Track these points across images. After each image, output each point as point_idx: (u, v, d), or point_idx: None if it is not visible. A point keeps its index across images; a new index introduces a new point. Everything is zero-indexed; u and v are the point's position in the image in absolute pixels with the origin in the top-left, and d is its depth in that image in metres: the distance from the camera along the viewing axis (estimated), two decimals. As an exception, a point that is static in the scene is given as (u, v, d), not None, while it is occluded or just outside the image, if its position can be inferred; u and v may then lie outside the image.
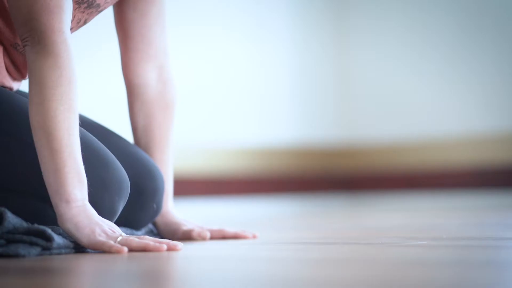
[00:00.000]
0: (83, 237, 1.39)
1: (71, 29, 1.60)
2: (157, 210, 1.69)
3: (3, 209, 1.40)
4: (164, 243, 1.43)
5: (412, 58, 5.33)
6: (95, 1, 1.58)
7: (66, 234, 1.42)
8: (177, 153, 4.87)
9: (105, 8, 1.65)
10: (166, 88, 1.77)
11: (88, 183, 1.45)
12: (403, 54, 5.36)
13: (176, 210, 1.80)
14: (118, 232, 1.43)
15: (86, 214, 1.40)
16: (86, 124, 1.67)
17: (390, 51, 5.40)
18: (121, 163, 1.55)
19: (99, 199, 1.47)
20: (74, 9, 1.56)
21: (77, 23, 1.61)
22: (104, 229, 1.41)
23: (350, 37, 5.59)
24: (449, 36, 5.16)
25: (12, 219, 1.39)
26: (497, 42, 4.99)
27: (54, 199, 1.39)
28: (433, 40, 5.22)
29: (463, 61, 5.13)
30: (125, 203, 1.54)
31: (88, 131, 1.58)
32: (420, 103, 5.29)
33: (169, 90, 1.78)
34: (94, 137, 1.54)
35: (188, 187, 4.88)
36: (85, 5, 1.57)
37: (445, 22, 5.18)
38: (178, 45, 4.70)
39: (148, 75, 1.76)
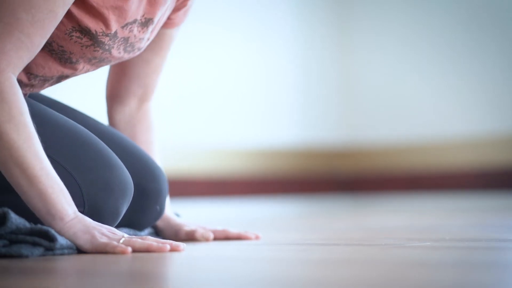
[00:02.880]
0: (85, 243, 1.40)
1: (77, 74, 1.62)
2: (160, 211, 1.70)
3: (6, 209, 1.40)
4: (167, 243, 1.43)
5: (415, 60, 5.32)
6: (107, 58, 1.60)
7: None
8: (179, 154, 4.89)
9: (116, 63, 1.66)
10: (147, 114, 1.82)
11: (92, 185, 1.45)
12: (406, 55, 5.36)
13: (175, 217, 1.82)
14: (120, 234, 1.43)
15: (82, 223, 1.41)
16: (90, 124, 1.67)
17: (393, 52, 5.40)
18: (124, 164, 1.56)
19: (103, 201, 1.48)
20: (85, 62, 1.58)
21: (86, 71, 1.63)
22: (103, 231, 1.41)
23: (353, 38, 5.59)
24: (452, 38, 5.16)
25: (15, 220, 1.39)
26: (500, 44, 4.99)
27: (46, 221, 1.40)
28: (436, 42, 5.22)
29: (466, 63, 5.13)
30: (128, 205, 1.54)
31: (92, 132, 1.58)
32: (423, 104, 5.29)
33: (150, 115, 1.82)
34: (98, 138, 1.54)
35: (191, 188, 4.89)
36: (97, 60, 1.59)
37: (449, 24, 5.18)
38: (180, 46, 4.70)
39: (132, 105, 1.80)
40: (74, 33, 1.51)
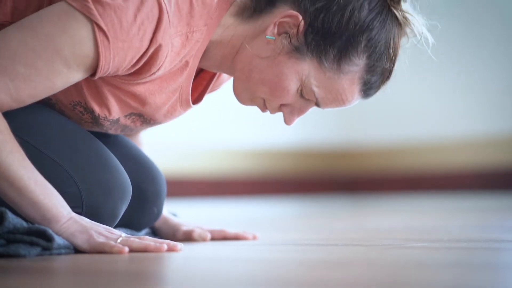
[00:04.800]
0: (83, 242, 1.40)
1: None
2: (158, 213, 1.70)
3: (3, 209, 1.40)
4: (165, 243, 1.43)
5: (415, 59, 5.32)
6: (101, 132, 1.60)
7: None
8: (179, 154, 4.88)
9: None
10: (138, 137, 1.84)
11: (91, 186, 1.45)
12: (405, 54, 5.35)
13: (173, 216, 1.82)
14: (118, 233, 1.43)
15: (78, 224, 1.41)
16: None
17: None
18: (123, 165, 1.55)
19: (102, 203, 1.47)
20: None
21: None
22: (100, 231, 1.41)
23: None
24: (451, 37, 5.16)
25: (13, 219, 1.39)
26: (500, 43, 4.99)
27: (43, 224, 1.39)
28: (436, 41, 5.21)
29: (465, 63, 5.12)
30: (126, 206, 1.53)
31: (92, 133, 1.58)
32: (422, 105, 5.29)
33: (139, 134, 1.84)
34: (97, 140, 1.54)
35: (190, 188, 4.89)
36: (91, 130, 1.60)
37: (448, 23, 5.17)
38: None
39: None
40: (78, 107, 1.52)
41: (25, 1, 1.46)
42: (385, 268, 1.18)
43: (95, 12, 1.35)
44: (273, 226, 2.45)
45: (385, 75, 1.54)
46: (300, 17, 1.46)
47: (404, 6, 1.57)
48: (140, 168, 1.68)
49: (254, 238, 1.76)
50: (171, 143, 4.80)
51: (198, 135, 5.00)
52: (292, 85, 1.49)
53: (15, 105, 1.38)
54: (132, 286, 1.04)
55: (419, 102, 5.30)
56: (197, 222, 1.84)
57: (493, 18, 5.03)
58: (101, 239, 1.39)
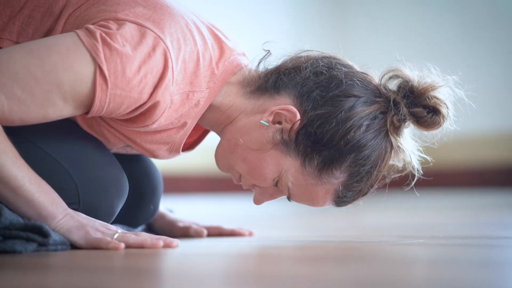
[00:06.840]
0: (79, 238, 1.40)
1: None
2: (154, 211, 1.70)
3: (0, 205, 1.40)
4: (161, 239, 1.43)
5: (413, 57, 5.32)
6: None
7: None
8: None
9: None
10: None
11: (88, 183, 1.45)
12: (404, 53, 5.35)
13: (169, 213, 1.82)
14: (114, 229, 1.43)
15: (75, 219, 1.41)
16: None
17: (390, 50, 5.39)
18: (120, 163, 1.55)
19: (99, 200, 1.47)
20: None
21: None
22: (97, 227, 1.41)
23: (349, 37, 5.59)
24: (450, 33, 5.15)
25: (9, 215, 1.39)
26: (499, 40, 4.99)
27: (40, 221, 1.39)
28: (434, 39, 5.21)
29: (463, 60, 5.13)
30: (123, 203, 1.54)
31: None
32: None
33: None
34: (95, 137, 1.54)
35: (187, 184, 4.88)
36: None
37: (447, 20, 5.17)
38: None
39: None
40: None
41: (34, 25, 1.45)
42: (381, 265, 1.18)
43: (102, 55, 1.35)
44: (269, 223, 2.45)
45: (360, 194, 1.54)
46: (298, 116, 1.46)
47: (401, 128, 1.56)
48: (137, 165, 1.68)
49: (250, 234, 1.76)
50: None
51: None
52: (270, 174, 1.50)
53: (3, 123, 1.37)
54: (129, 282, 1.04)
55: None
56: (193, 218, 1.84)
57: (493, 14, 5.03)
58: (97, 235, 1.40)
